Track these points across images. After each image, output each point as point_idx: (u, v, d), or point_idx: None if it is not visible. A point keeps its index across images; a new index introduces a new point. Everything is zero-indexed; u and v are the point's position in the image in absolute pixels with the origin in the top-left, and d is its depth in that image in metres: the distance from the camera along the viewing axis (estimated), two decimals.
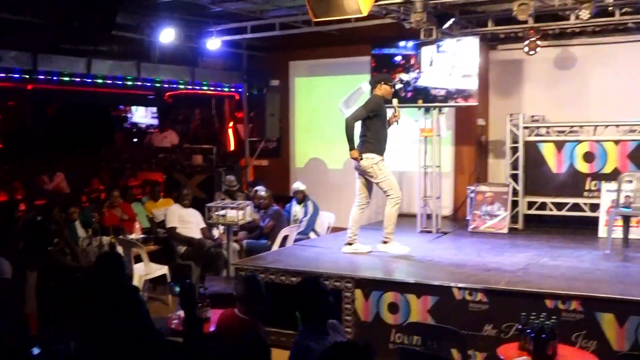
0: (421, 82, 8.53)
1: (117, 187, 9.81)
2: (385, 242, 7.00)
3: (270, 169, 11.79)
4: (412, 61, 8.56)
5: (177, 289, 3.81)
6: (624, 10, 8.50)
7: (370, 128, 6.87)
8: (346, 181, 11.07)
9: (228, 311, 4.43)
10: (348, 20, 8.82)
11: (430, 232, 8.60)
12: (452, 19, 8.75)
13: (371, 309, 6.03)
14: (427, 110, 8.73)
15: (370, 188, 7.12)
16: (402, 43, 8.61)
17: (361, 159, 6.88)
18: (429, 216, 8.81)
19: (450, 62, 8.37)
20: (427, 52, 8.49)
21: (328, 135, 11.30)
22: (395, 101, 7.09)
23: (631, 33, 9.44)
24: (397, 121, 7.01)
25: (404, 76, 8.58)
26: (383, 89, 6.98)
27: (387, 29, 9.23)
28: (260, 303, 4.33)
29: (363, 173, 7.01)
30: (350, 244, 7.19)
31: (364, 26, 9.16)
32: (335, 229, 9.18)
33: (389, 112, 7.09)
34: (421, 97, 8.56)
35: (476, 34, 8.99)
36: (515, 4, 6.81)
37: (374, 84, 7.09)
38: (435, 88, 8.47)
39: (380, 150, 6.90)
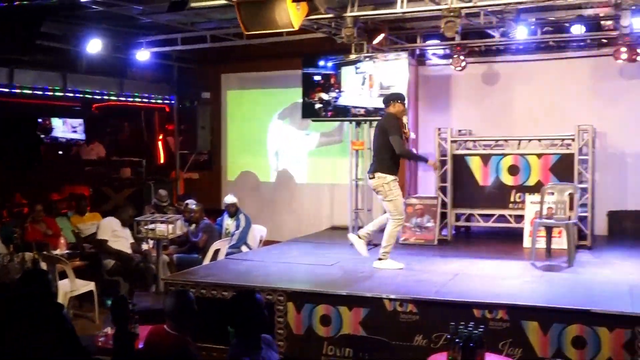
0: (342, 101, 8.64)
1: (41, 201, 9.49)
2: (380, 259, 7.06)
3: (202, 182, 11.67)
4: (332, 80, 8.67)
5: (109, 302, 3.71)
6: (545, 29, 8.86)
7: (388, 149, 6.91)
8: (278, 194, 11.11)
9: (157, 327, 4.34)
10: (280, 34, 8.85)
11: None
12: (382, 35, 8.91)
13: (303, 322, 6.03)
14: (358, 124, 8.83)
15: None
16: (322, 62, 8.72)
17: (373, 177, 6.98)
18: (360, 228, 8.85)
19: (379, 79, 8.49)
20: (353, 71, 8.60)
21: (260, 148, 11.29)
22: (405, 118, 7.11)
23: (551, 51, 9.86)
24: (406, 138, 7.03)
25: (324, 95, 8.70)
26: (397, 107, 7.01)
27: (320, 43, 9.32)
28: (191, 318, 4.26)
29: (374, 191, 7.11)
30: (360, 237, 7.29)
31: (296, 40, 9.21)
32: (267, 242, 9.16)
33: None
34: (341, 116, 8.72)
35: (405, 50, 9.20)
36: (442, 21, 6.99)
37: (387, 102, 7.10)
38: (356, 107, 8.58)
39: (394, 171, 7.00)
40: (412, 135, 10.18)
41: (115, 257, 8.10)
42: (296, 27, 6.72)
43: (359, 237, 7.31)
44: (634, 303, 5.53)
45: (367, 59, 8.53)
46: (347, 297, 5.95)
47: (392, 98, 7.08)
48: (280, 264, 7.39)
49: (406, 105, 7.13)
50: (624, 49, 8.50)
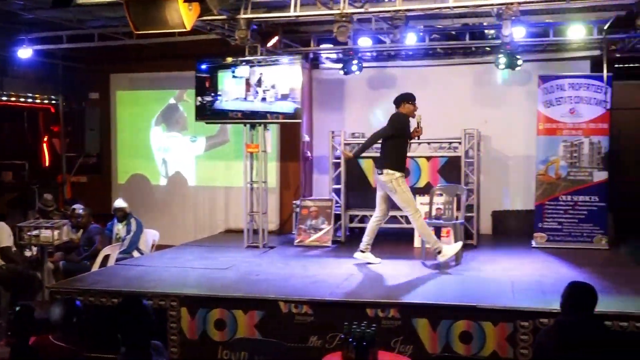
0: (219, 105, 8.66)
1: None
2: (439, 252, 7.13)
3: (90, 186, 11.24)
4: (207, 84, 8.68)
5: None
6: (433, 36, 9.19)
7: (395, 146, 7.05)
8: (171, 198, 10.89)
9: (42, 338, 4.15)
10: (172, 34, 8.68)
11: (257, 247, 8.67)
12: (276, 38, 8.94)
13: (198, 327, 5.95)
14: (252, 126, 8.82)
15: (389, 202, 7.28)
16: (204, 65, 8.72)
17: (381, 173, 7.07)
18: (255, 231, 8.87)
19: (272, 82, 8.51)
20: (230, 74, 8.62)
21: (149, 151, 11.02)
22: (418, 116, 7.14)
23: (440, 58, 10.23)
24: (418, 136, 7.15)
25: (200, 98, 8.71)
26: (407, 108, 7.19)
27: (214, 44, 9.22)
28: (78, 328, 4.10)
29: (383, 187, 7.16)
30: (362, 251, 7.37)
31: (189, 41, 9.07)
32: (160, 247, 8.96)
33: (412, 126, 7.27)
34: (220, 118, 8.80)
35: (299, 53, 9.27)
36: (335, 26, 7.10)
37: (398, 102, 7.25)
38: (234, 110, 8.60)
39: (401, 168, 7.13)
40: (307, 138, 10.29)
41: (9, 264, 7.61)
42: (188, 28, 6.61)
43: (363, 252, 7.42)
44: (516, 298, 5.84)
45: (244, 63, 8.54)
46: (242, 300, 5.93)
47: (402, 99, 7.30)
48: (173, 268, 7.26)
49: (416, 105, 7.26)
50: (504, 58, 8.95)
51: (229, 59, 8.63)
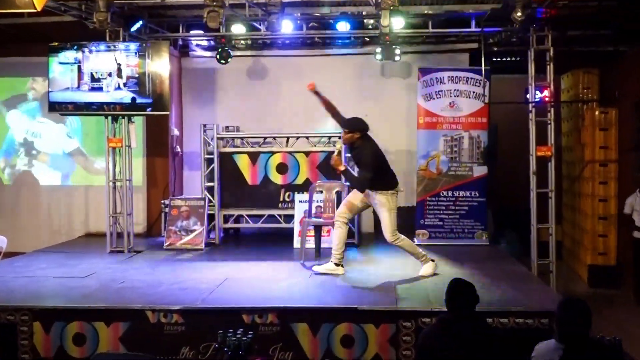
0: (52, 97, 8.41)
1: None
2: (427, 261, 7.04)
3: None
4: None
5: None
6: (310, 25, 9.26)
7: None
8: (19, 199, 10.33)
9: None
10: (21, 15, 8.23)
11: (121, 251, 8.45)
12: (141, 22, 8.68)
13: (53, 343, 5.67)
14: (115, 119, 8.53)
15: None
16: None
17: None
18: (119, 234, 8.64)
19: (116, 69, 8.32)
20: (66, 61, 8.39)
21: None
22: (337, 145, 7.02)
23: (318, 47, 10.35)
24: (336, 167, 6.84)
25: (39, 87, 8.42)
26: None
27: (71, 27, 8.81)
28: None
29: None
30: (337, 264, 7.05)
31: (41, 23, 8.63)
32: (8, 254, 8.47)
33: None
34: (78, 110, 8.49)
35: (167, 39, 9.07)
36: (205, 11, 6.98)
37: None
38: (62, 103, 8.37)
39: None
40: (176, 132, 10.12)
41: None
42: (38, 9, 6.28)
43: (338, 265, 7.07)
44: (398, 298, 6.00)
45: (74, 48, 8.30)
46: (105, 311, 5.73)
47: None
48: (24, 278, 6.91)
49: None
50: (382, 49, 9.17)
51: (56, 43, 8.32)
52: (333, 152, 8.92)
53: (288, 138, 9.42)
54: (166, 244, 8.77)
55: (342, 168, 6.81)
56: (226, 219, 9.40)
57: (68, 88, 8.36)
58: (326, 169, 8.97)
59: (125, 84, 8.32)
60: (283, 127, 10.02)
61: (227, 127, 9.71)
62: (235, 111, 10.39)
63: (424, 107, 9.15)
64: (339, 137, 9.03)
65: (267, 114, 10.33)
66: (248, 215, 9.34)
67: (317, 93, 7.36)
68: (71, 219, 10.25)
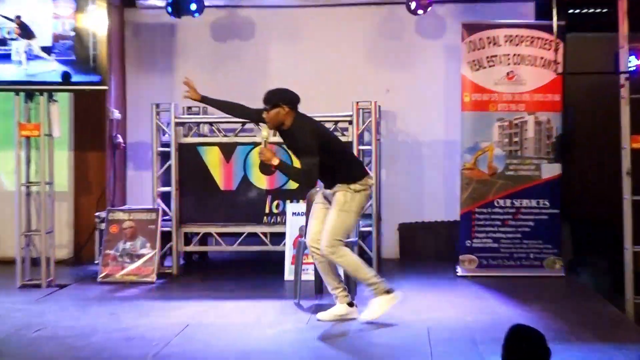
0: None
1: None
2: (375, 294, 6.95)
3: None
4: None
5: None
6: None
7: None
8: None
9: None
10: None
11: (37, 286, 8.41)
12: None
13: None
14: (29, 96, 8.48)
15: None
16: None
17: None
18: (34, 261, 8.61)
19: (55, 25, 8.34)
20: None
21: None
22: (263, 132, 6.95)
23: None
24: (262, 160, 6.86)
25: None
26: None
27: None
28: None
29: None
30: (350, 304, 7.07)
31: None
32: None
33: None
34: None
35: None
36: None
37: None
38: None
39: None
40: (116, 115, 10.06)
41: None
42: None
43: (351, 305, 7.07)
44: (435, 352, 5.92)
45: None
46: None
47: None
48: None
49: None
50: None
51: None
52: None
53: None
54: (101, 274, 8.74)
55: (276, 162, 6.76)
56: (188, 239, 9.36)
57: None
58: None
59: (50, 49, 8.28)
60: None
61: (189, 108, 9.66)
62: (202, 85, 10.24)
63: (471, 79, 9.11)
64: (350, 123, 9.01)
65: (247, 90, 10.21)
66: (219, 234, 9.29)
67: (204, 100, 7.47)
68: None
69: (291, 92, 6.96)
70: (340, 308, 6.99)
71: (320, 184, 7.11)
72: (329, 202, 6.94)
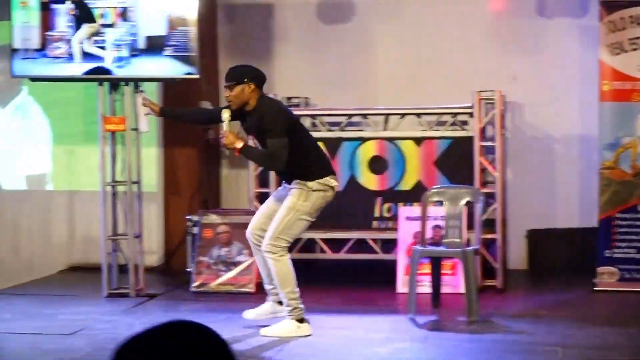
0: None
1: None
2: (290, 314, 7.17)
3: None
4: None
5: None
6: None
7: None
8: None
9: None
10: None
11: (125, 295, 8.60)
12: None
13: None
14: (114, 86, 8.70)
15: None
16: None
17: None
18: (122, 269, 8.80)
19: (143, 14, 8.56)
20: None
21: None
22: (224, 114, 7.12)
23: None
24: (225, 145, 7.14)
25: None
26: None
27: None
28: None
29: None
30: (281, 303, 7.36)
31: None
32: None
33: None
34: None
35: None
36: None
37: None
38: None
39: None
40: (208, 107, 10.24)
41: None
42: None
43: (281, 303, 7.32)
44: None
45: None
46: None
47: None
48: None
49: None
50: None
51: None
52: (460, 137, 8.93)
53: (387, 116, 9.43)
54: (195, 284, 8.87)
55: (240, 144, 6.94)
56: (290, 245, 9.42)
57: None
58: (453, 163, 8.96)
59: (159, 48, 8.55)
60: (379, 98, 10.03)
61: (289, 99, 9.75)
62: (303, 73, 10.43)
63: (611, 65, 9.02)
64: (470, 115, 9.01)
65: (352, 78, 10.35)
66: (324, 240, 9.37)
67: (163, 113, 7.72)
68: (46, 244, 10.51)
69: (257, 69, 7.20)
70: (270, 306, 7.29)
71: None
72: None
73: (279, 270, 7.07)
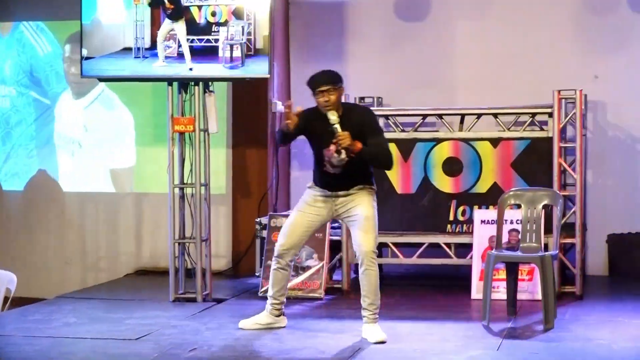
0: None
1: None
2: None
3: None
4: None
5: None
6: None
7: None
8: (31, 212, 10.84)
9: None
10: None
11: (192, 300, 8.66)
12: None
13: None
14: (183, 86, 8.75)
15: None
16: None
17: None
18: (189, 273, 8.86)
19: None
20: None
21: None
22: (332, 116, 7.04)
23: None
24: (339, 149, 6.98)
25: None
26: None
27: None
28: None
29: None
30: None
31: None
32: (18, 301, 8.80)
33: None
34: None
35: None
36: None
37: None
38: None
39: (314, 177, 7.36)
40: (280, 108, 10.25)
41: None
42: None
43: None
44: None
45: None
46: None
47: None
48: (43, 339, 7.19)
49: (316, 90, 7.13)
50: None
51: None
52: (538, 138, 8.84)
53: (463, 116, 9.37)
54: (263, 288, 8.85)
55: (359, 144, 6.85)
56: None
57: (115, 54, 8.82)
58: (531, 165, 8.87)
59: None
60: (455, 98, 9.99)
61: (362, 99, 9.72)
62: (376, 73, 10.41)
63: None
64: (549, 115, 8.89)
65: (427, 78, 10.30)
66: (396, 245, 9.33)
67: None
68: (113, 246, 10.62)
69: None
70: (266, 317, 7.43)
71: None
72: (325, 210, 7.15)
73: (376, 280, 7.11)
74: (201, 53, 8.63)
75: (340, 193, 7.06)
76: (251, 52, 8.52)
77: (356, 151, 6.85)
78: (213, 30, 8.62)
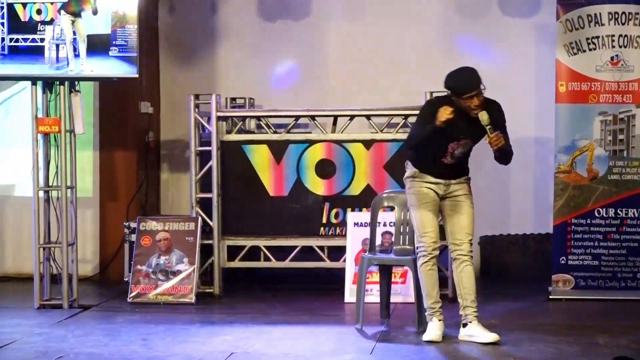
0: None
1: None
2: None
3: None
4: None
5: None
6: None
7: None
8: None
9: None
10: None
11: (58, 306, 8.55)
12: None
13: None
14: (48, 85, 8.64)
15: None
16: None
17: None
18: (54, 278, 8.73)
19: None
20: None
21: None
22: (484, 116, 7.02)
23: None
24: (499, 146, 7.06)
25: None
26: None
27: None
28: None
29: None
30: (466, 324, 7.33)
31: None
32: None
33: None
34: None
35: None
36: None
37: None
38: None
39: (416, 164, 7.31)
40: (148, 109, 10.16)
41: None
42: None
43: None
44: None
45: None
46: None
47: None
48: None
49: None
50: None
51: None
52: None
53: (336, 118, 9.44)
54: (132, 294, 8.84)
55: (503, 142, 7.04)
56: (232, 253, 9.42)
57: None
58: (404, 167, 8.97)
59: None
60: (327, 98, 10.07)
61: (234, 100, 9.74)
62: (248, 73, 10.42)
63: (567, 65, 9.09)
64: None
65: (301, 78, 10.35)
66: (268, 248, 9.37)
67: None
68: None
69: None
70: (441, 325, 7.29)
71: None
72: (437, 197, 7.20)
73: (473, 273, 7.31)
74: (26, 52, 8.50)
75: (453, 181, 7.20)
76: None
77: (500, 147, 7.03)
78: (39, 29, 8.51)
